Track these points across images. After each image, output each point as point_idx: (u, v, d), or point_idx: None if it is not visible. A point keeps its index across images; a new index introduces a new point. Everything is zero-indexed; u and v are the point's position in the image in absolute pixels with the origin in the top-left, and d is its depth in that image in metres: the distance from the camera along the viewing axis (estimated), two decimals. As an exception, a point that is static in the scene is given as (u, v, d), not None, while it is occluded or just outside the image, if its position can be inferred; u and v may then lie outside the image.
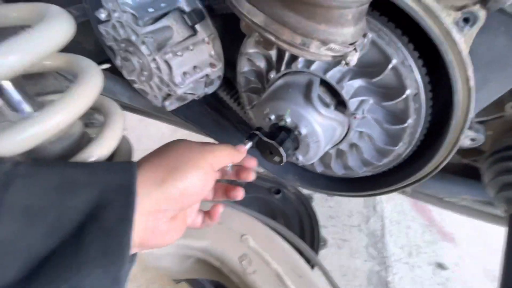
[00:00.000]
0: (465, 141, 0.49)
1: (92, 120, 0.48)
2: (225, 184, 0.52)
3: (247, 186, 1.37)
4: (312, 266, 0.86)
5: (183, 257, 0.58)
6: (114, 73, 0.95)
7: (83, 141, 0.39)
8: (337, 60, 0.34)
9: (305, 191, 1.27)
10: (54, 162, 0.37)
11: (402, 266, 1.32)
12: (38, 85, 0.41)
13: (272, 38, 0.32)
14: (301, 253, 0.58)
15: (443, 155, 0.51)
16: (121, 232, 0.32)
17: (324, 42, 0.30)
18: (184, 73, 0.63)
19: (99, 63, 0.98)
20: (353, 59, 0.33)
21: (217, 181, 0.50)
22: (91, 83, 0.35)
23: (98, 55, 0.98)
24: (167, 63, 0.61)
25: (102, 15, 0.60)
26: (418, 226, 1.47)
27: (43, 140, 0.33)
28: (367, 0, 0.30)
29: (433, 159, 0.52)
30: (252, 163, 0.51)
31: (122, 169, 0.35)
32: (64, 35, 0.30)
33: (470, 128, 0.47)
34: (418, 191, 0.86)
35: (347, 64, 0.33)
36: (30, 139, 0.31)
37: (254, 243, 0.51)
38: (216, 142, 0.68)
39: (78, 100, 0.33)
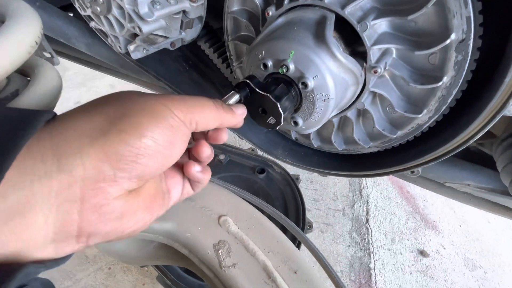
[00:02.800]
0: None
1: None
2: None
3: (228, 165, 1.24)
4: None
5: (142, 241, 0.45)
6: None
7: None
8: None
9: (292, 171, 1.17)
10: None
11: (384, 252, 1.29)
12: None
13: None
14: (293, 240, 0.48)
15: (478, 126, 0.41)
16: None
17: None
18: (153, 3, 0.47)
19: (60, 7, 0.79)
20: None
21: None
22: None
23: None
24: (128, -17, 0.45)
25: None
26: (403, 213, 1.44)
27: None
28: None
29: (465, 130, 0.42)
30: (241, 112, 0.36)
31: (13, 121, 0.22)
32: None
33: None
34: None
35: None
36: None
37: (235, 227, 0.39)
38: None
39: None
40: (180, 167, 0.36)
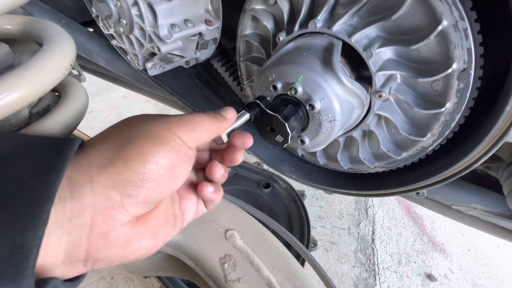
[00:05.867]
0: (514, 136, 0.39)
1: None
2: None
3: (234, 178, 1.26)
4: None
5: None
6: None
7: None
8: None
9: (297, 187, 1.17)
10: None
11: (390, 274, 1.25)
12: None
13: None
14: (297, 257, 0.49)
15: (482, 151, 0.42)
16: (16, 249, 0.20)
17: None
18: (172, 26, 0.51)
19: (81, 23, 0.85)
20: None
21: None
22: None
23: (79, 12, 0.85)
24: (151, 8, 0.48)
25: None
26: (410, 234, 1.41)
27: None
28: None
29: (469, 155, 0.43)
30: (247, 141, 0.37)
31: (52, 146, 0.24)
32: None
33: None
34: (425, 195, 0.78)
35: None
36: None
37: (241, 242, 0.40)
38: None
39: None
40: (194, 187, 0.36)
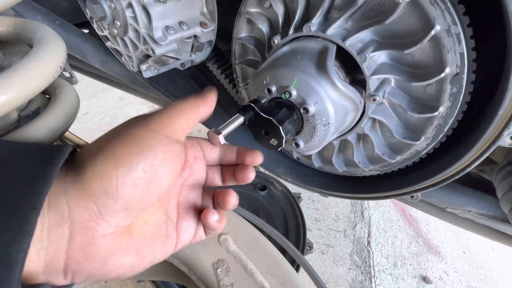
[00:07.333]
0: (507, 139, 0.40)
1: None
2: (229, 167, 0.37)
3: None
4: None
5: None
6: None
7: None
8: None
9: (293, 190, 1.17)
10: None
11: (386, 277, 1.26)
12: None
13: None
14: (293, 262, 0.48)
15: (475, 155, 0.42)
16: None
17: None
18: (167, 28, 0.50)
19: (76, 25, 0.84)
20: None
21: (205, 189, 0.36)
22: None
23: (74, 14, 0.84)
24: (145, 10, 0.48)
25: None
26: (405, 236, 1.42)
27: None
28: None
29: (462, 158, 0.43)
30: (258, 158, 0.36)
31: (41, 154, 0.24)
32: None
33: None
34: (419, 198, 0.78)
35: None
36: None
37: (235, 246, 0.40)
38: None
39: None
40: (196, 211, 0.34)
